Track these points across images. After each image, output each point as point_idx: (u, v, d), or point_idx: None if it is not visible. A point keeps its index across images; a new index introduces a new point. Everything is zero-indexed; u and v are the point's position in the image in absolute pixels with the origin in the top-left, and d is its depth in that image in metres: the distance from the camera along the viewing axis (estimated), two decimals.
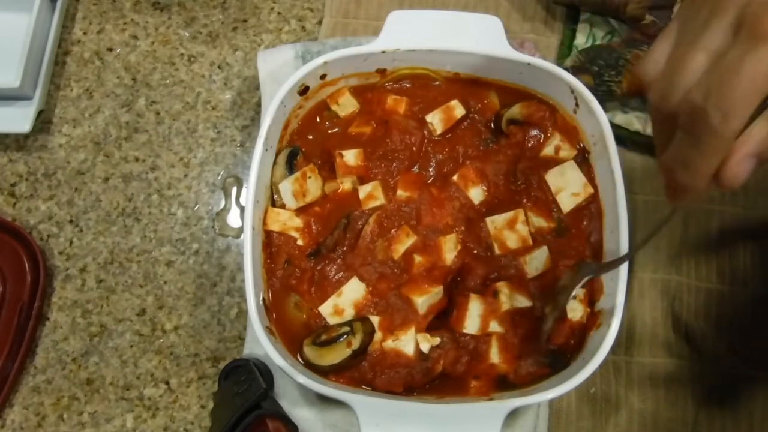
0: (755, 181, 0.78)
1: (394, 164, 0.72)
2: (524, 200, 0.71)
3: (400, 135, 0.71)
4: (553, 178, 0.70)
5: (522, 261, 0.68)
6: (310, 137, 0.74)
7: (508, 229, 0.69)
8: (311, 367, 0.64)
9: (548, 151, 0.71)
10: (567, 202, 0.69)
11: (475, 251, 0.69)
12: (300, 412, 0.70)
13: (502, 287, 0.67)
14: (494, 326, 0.66)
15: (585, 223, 0.69)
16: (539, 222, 0.70)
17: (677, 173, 0.44)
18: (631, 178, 0.77)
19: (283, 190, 0.70)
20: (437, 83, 0.75)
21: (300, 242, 0.69)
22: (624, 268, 0.63)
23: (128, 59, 0.86)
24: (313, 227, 0.70)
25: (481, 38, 0.71)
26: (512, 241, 0.69)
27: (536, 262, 0.68)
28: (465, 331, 0.66)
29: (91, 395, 0.74)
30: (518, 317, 0.67)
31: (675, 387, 0.71)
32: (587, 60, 0.77)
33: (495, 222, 0.69)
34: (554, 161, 0.71)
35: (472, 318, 0.66)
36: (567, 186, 0.70)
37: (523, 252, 0.68)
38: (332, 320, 0.67)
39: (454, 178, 0.71)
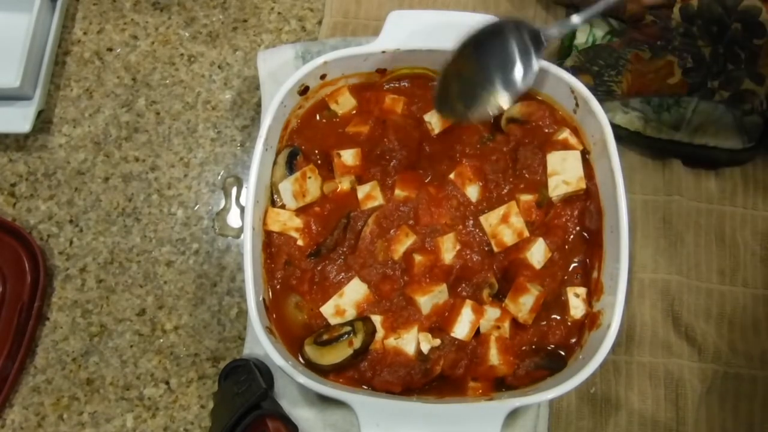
0: (755, 181, 0.79)
1: (391, 163, 0.72)
2: (521, 186, 0.70)
3: (398, 134, 0.71)
4: (553, 159, 0.70)
5: (524, 258, 0.67)
6: (309, 136, 0.74)
7: (503, 223, 0.69)
8: (312, 366, 0.64)
9: (560, 136, 0.71)
10: (556, 187, 0.69)
11: (475, 251, 0.69)
12: (300, 412, 0.70)
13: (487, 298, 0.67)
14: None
15: (569, 212, 0.69)
16: (525, 197, 0.69)
17: None
18: (631, 178, 0.77)
19: (283, 190, 0.70)
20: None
21: (300, 242, 0.69)
22: (624, 268, 0.63)
23: (128, 59, 0.86)
24: (313, 227, 0.70)
25: None
26: (508, 236, 0.68)
27: (537, 255, 0.68)
28: (452, 335, 0.66)
29: (91, 395, 0.74)
30: (511, 323, 0.67)
31: (675, 387, 0.71)
32: (587, 60, 0.77)
33: (489, 219, 0.69)
34: (562, 145, 0.71)
35: (463, 324, 0.66)
36: (563, 172, 0.69)
37: (523, 248, 0.68)
38: (334, 320, 0.67)
39: (451, 176, 0.71)
